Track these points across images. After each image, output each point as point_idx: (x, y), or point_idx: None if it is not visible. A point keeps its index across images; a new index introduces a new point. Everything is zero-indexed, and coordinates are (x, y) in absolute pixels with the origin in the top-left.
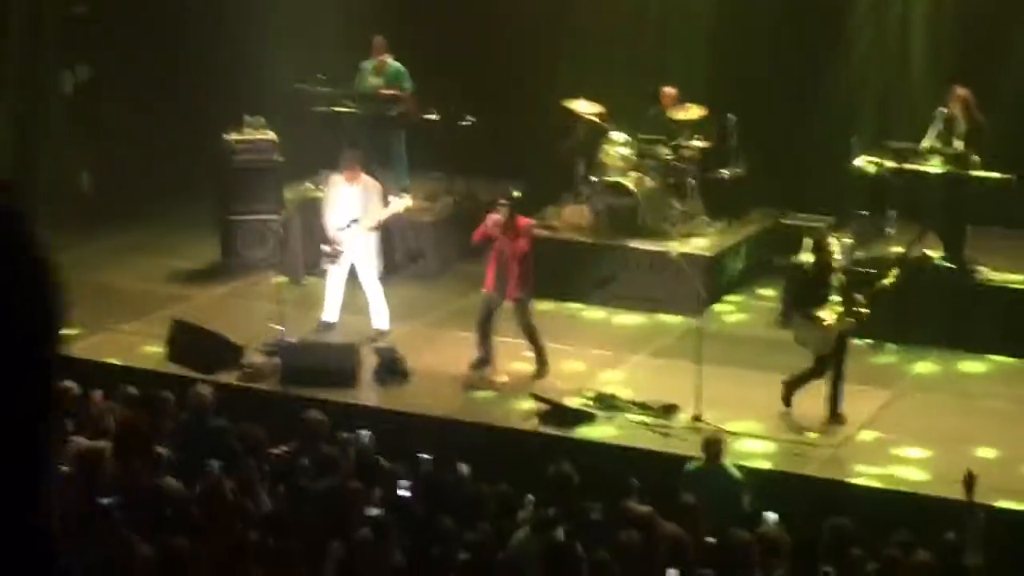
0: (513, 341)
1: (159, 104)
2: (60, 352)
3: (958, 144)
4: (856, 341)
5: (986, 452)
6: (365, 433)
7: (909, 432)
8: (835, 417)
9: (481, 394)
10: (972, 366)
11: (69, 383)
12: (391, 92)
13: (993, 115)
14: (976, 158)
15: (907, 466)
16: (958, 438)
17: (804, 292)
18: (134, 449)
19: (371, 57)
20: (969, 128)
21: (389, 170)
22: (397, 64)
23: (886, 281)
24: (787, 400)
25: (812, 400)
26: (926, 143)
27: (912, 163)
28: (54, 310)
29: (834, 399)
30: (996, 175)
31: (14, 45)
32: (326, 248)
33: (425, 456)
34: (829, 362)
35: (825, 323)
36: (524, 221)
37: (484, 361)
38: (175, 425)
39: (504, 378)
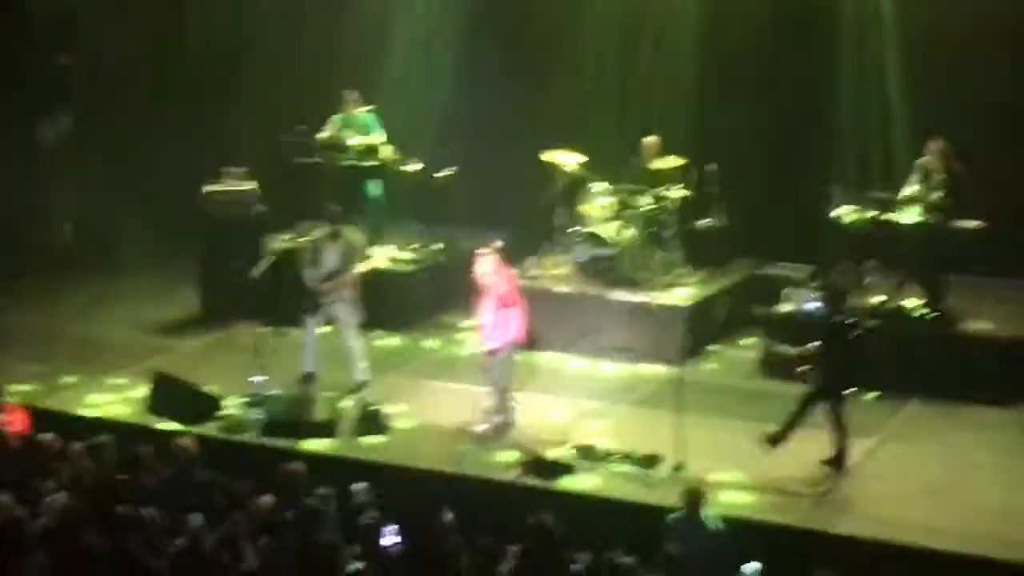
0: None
1: (141, 155)
2: None
3: (937, 194)
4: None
5: (972, 501)
6: (360, 486)
7: (893, 481)
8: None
9: (462, 446)
10: (954, 415)
11: (49, 436)
12: (368, 142)
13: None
14: (953, 208)
15: (892, 515)
16: (943, 487)
17: None
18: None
19: (342, 110)
20: (947, 179)
21: (368, 220)
22: (369, 115)
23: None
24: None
25: (795, 449)
26: (905, 193)
27: (891, 213)
28: None
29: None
30: (972, 224)
31: None
32: (306, 299)
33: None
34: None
35: None
36: (507, 269)
37: (504, 417)
38: (158, 479)
39: (484, 427)
